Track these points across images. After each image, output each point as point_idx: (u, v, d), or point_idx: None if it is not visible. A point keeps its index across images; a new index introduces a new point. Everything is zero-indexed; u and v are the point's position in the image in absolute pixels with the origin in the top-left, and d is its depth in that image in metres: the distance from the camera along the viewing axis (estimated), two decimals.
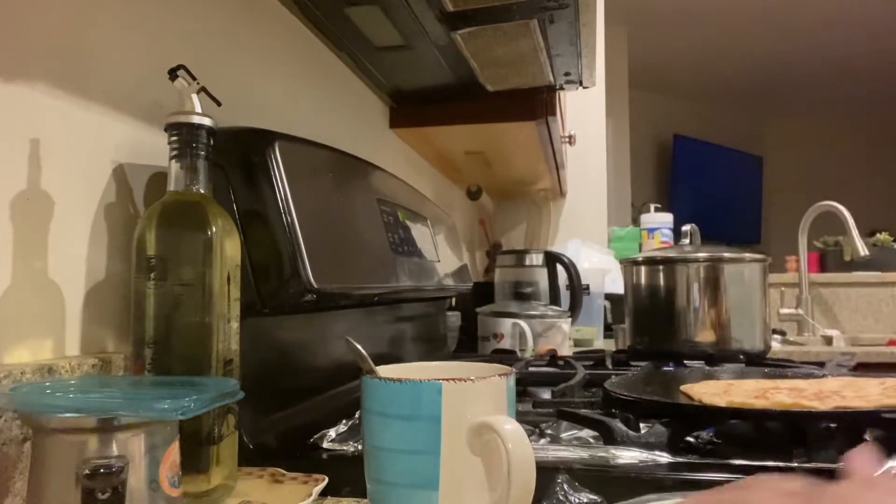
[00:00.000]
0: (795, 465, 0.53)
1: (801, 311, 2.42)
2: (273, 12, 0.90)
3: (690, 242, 1.30)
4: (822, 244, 3.25)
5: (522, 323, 1.31)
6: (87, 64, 0.57)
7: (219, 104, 0.56)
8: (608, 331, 1.95)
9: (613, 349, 1.42)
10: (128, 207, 0.60)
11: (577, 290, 1.58)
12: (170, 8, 0.68)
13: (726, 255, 1.21)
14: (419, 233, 1.01)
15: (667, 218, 2.69)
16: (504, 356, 1.24)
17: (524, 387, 0.90)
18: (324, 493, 0.51)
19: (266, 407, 0.64)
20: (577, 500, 0.46)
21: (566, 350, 1.37)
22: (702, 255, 1.21)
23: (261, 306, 0.61)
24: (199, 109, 0.52)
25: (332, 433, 0.62)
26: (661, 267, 1.24)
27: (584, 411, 0.66)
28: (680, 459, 0.55)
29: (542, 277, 1.65)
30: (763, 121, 5.72)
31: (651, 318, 1.25)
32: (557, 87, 1.31)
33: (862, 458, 0.31)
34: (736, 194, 5.43)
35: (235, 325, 0.51)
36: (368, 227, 0.80)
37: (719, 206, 5.12)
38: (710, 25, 4.06)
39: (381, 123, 1.37)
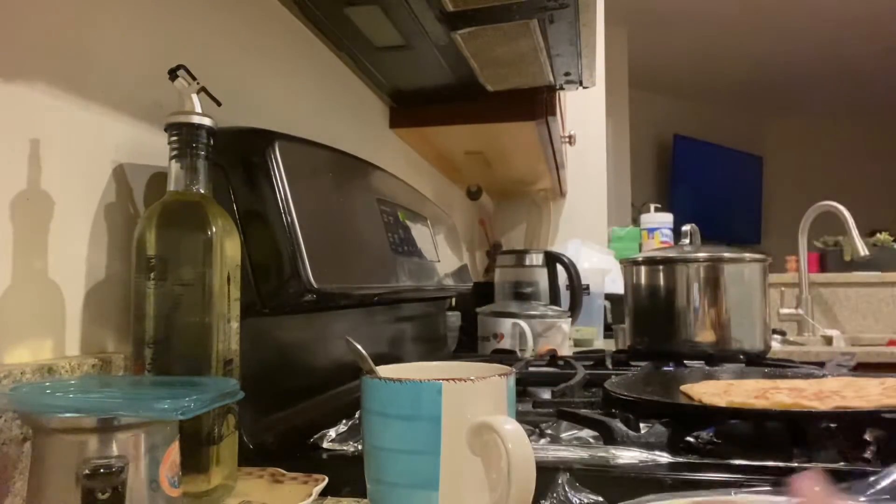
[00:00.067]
0: (795, 465, 0.53)
1: (801, 311, 2.42)
2: (273, 12, 0.90)
3: (690, 242, 1.30)
4: (822, 244, 3.25)
5: (522, 323, 1.31)
6: (87, 64, 0.57)
7: (219, 104, 0.56)
8: (608, 331, 1.95)
9: (613, 349, 1.42)
10: (128, 207, 0.60)
11: (577, 290, 1.58)
12: (170, 8, 0.68)
13: (726, 255, 1.21)
14: (419, 233, 1.01)
15: (667, 218, 2.69)
16: (504, 356, 1.24)
17: (524, 387, 0.90)
18: (324, 493, 0.51)
19: (266, 407, 0.64)
20: (577, 500, 0.46)
21: (566, 350, 1.37)
22: (702, 255, 1.21)
23: (261, 306, 0.61)
24: (199, 109, 0.52)
25: (332, 433, 0.62)
26: (661, 267, 1.24)
27: (584, 411, 0.66)
28: (680, 459, 0.55)
29: (542, 277, 1.65)
30: (763, 121, 5.71)
31: (651, 318, 1.25)
32: (557, 87, 1.31)
33: (810, 481, 0.30)
34: (736, 194, 5.43)
35: (235, 325, 0.51)
36: (368, 227, 0.80)
37: (719, 206, 5.12)
38: (710, 25, 4.06)
39: (381, 123, 1.37)
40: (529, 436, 0.49)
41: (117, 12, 0.60)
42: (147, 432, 0.38)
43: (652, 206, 2.76)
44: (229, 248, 0.51)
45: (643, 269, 1.26)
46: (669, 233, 2.65)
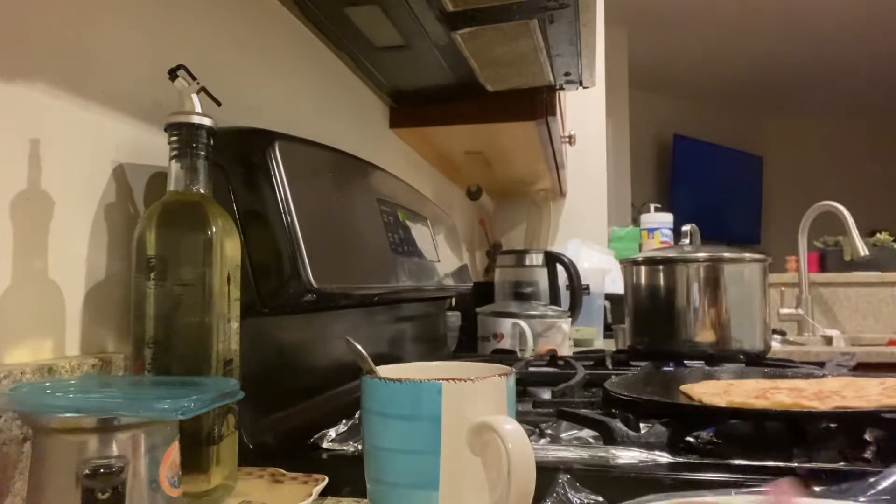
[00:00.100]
0: (795, 465, 0.53)
1: (801, 311, 2.42)
2: (273, 12, 0.90)
3: (690, 242, 1.30)
4: (822, 244, 3.25)
5: (522, 323, 1.31)
6: (87, 64, 0.57)
7: (219, 104, 0.56)
8: (608, 331, 1.95)
9: (613, 349, 1.42)
10: (128, 207, 0.60)
11: (577, 290, 1.58)
12: (170, 8, 0.68)
13: (726, 255, 1.21)
14: (419, 233, 1.01)
15: (667, 218, 2.69)
16: (504, 356, 1.24)
17: (524, 387, 0.90)
18: (324, 493, 0.51)
19: (266, 407, 0.64)
20: (577, 500, 0.46)
21: (566, 350, 1.37)
22: (702, 255, 1.21)
23: (261, 306, 0.61)
24: (199, 109, 0.52)
25: (332, 433, 0.62)
26: (661, 267, 1.24)
27: (584, 411, 0.66)
28: (680, 459, 0.55)
29: (542, 277, 1.65)
30: (763, 121, 5.72)
31: (651, 318, 1.25)
32: (557, 87, 1.31)
33: (784, 489, 0.30)
34: (736, 194, 5.43)
35: (235, 325, 0.51)
36: (368, 227, 0.80)
37: (719, 206, 5.12)
38: (709, 25, 4.06)
39: (381, 123, 1.37)
40: (529, 436, 0.49)
41: (117, 12, 0.60)
42: (147, 432, 0.38)
43: (652, 206, 2.76)
44: (229, 248, 0.51)
45: (643, 269, 1.26)
46: (669, 233, 2.65)
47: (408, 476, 0.41)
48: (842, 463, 0.54)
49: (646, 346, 1.25)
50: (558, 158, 1.80)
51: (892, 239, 3.13)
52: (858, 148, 5.62)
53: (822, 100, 5.34)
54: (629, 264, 1.30)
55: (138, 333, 0.49)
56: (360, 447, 0.57)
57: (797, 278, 2.51)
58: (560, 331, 1.36)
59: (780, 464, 0.53)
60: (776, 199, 5.61)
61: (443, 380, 0.41)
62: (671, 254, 1.25)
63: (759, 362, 1.15)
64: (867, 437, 0.58)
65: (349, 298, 0.74)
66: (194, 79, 0.53)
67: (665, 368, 1.05)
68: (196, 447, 0.47)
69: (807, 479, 0.43)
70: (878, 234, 3.15)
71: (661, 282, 1.23)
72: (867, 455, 0.56)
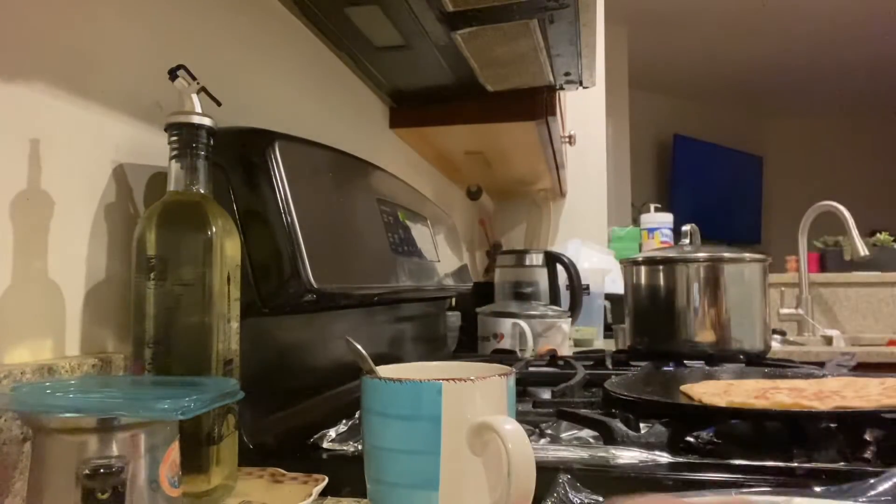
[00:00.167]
0: (795, 465, 0.53)
1: (801, 311, 2.42)
2: (273, 12, 0.90)
3: (690, 242, 1.30)
4: (822, 244, 3.25)
5: (522, 323, 1.31)
6: (87, 64, 0.57)
7: (219, 104, 0.56)
8: (608, 331, 1.95)
9: (613, 349, 1.42)
10: (128, 207, 0.60)
11: (577, 290, 1.58)
12: (170, 8, 0.68)
13: (726, 255, 1.21)
14: (419, 233, 1.01)
15: (667, 218, 2.69)
16: (504, 356, 1.24)
17: (524, 387, 0.90)
18: (324, 493, 0.51)
19: (266, 407, 0.64)
20: (577, 500, 0.46)
21: (566, 350, 1.37)
22: (702, 255, 1.21)
23: (261, 306, 0.61)
24: (199, 109, 0.52)
25: (332, 433, 0.62)
26: (661, 267, 1.24)
27: (584, 411, 0.66)
28: (680, 459, 0.55)
29: (542, 277, 1.65)
30: (763, 121, 5.72)
31: (651, 318, 1.25)
32: (557, 87, 1.31)
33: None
34: (736, 194, 5.43)
35: (235, 325, 0.51)
36: (368, 227, 0.80)
37: (719, 206, 5.12)
38: (710, 25, 4.06)
39: (381, 123, 1.37)
40: (529, 436, 0.49)
41: (117, 12, 0.60)
42: (147, 432, 0.38)
43: (652, 206, 2.76)
44: (229, 248, 0.51)
45: (643, 269, 1.26)
46: (669, 233, 2.65)
47: (408, 476, 0.41)
48: (842, 463, 0.54)
49: (646, 346, 1.25)
50: (558, 158, 1.80)
51: (892, 239, 3.13)
52: (858, 148, 5.62)
53: (822, 100, 5.34)
54: (629, 264, 1.30)
55: (138, 333, 0.49)
56: (360, 447, 0.57)
57: (797, 278, 2.51)
58: (560, 331, 1.36)
59: (780, 464, 0.53)
60: (776, 199, 5.61)
61: (443, 380, 0.41)
62: (671, 254, 1.25)
63: (759, 362, 1.15)
64: (867, 437, 0.58)
65: (349, 298, 0.74)
66: (194, 79, 0.53)
67: (665, 368, 1.05)
68: (196, 447, 0.47)
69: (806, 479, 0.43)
70: (878, 234, 3.15)
71: (661, 282, 1.23)
72: (867, 455, 0.56)
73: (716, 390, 0.67)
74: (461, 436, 0.40)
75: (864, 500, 0.42)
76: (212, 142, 0.53)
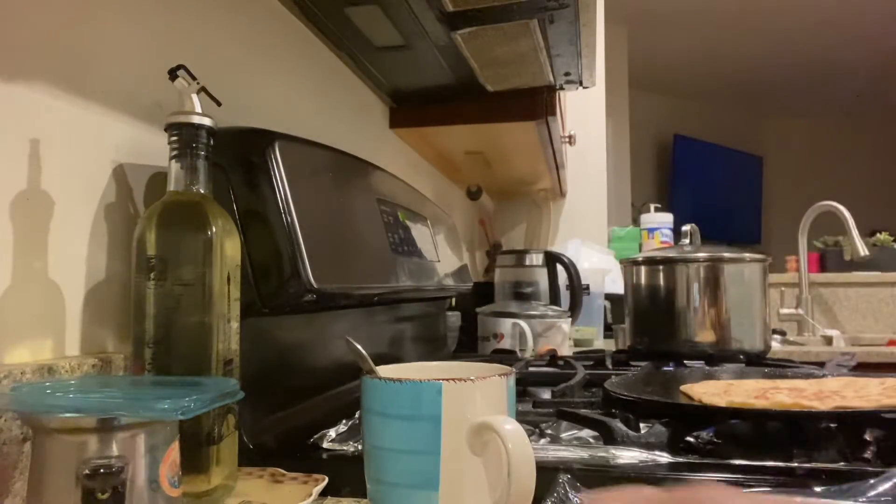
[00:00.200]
0: (795, 465, 0.53)
1: (801, 311, 2.42)
2: (273, 12, 0.90)
3: (690, 242, 1.30)
4: (822, 244, 3.25)
5: (522, 323, 1.31)
6: (87, 64, 0.57)
7: (219, 104, 0.56)
8: (608, 331, 1.95)
9: (613, 349, 1.42)
10: (128, 207, 0.60)
11: (577, 290, 1.58)
12: (170, 8, 0.68)
13: (726, 255, 1.21)
14: (419, 233, 1.01)
15: (667, 218, 2.69)
16: (504, 356, 1.24)
17: (524, 387, 0.90)
18: (324, 493, 0.51)
19: (266, 407, 0.64)
20: (577, 500, 0.46)
21: (566, 350, 1.37)
22: (702, 255, 1.21)
23: (261, 306, 0.61)
24: (199, 109, 0.52)
25: (332, 433, 0.62)
26: (661, 267, 1.24)
27: (584, 411, 0.66)
28: (680, 459, 0.55)
29: (542, 277, 1.65)
30: (763, 121, 5.72)
31: (651, 318, 1.25)
32: (557, 87, 1.31)
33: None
34: (736, 194, 5.43)
35: (235, 325, 0.51)
36: (368, 227, 0.80)
37: (719, 206, 5.12)
38: (710, 25, 4.06)
39: (381, 123, 1.37)
40: (529, 436, 0.49)
41: (117, 12, 0.60)
42: (147, 432, 0.38)
43: (652, 206, 2.76)
44: (229, 248, 0.51)
45: (643, 269, 1.26)
46: (669, 233, 2.65)
47: (408, 476, 0.41)
48: (842, 463, 0.54)
49: (646, 346, 1.25)
50: (558, 158, 1.80)
51: (892, 239, 3.13)
52: (858, 148, 5.62)
53: (822, 100, 5.34)
54: (629, 264, 1.30)
55: (138, 333, 0.49)
56: (360, 447, 0.57)
57: (797, 278, 2.51)
58: (560, 331, 1.36)
59: (780, 464, 0.53)
60: (776, 199, 5.61)
61: (443, 380, 0.41)
62: (671, 254, 1.25)
63: (759, 362, 1.15)
64: (867, 437, 0.58)
65: (349, 298, 0.74)
66: (194, 79, 0.53)
67: (665, 368, 1.05)
68: (196, 447, 0.47)
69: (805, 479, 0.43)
70: (878, 234, 3.15)
71: (661, 282, 1.23)
72: (867, 455, 0.56)
73: (716, 390, 0.67)
74: (461, 436, 0.40)
75: (864, 500, 0.42)
76: (212, 142, 0.53)
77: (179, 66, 0.53)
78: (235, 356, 0.51)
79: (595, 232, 2.44)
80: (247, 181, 0.61)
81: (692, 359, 1.15)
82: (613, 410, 0.68)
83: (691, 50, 4.41)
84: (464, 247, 1.79)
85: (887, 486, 0.43)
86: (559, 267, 1.64)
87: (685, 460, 0.54)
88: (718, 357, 1.15)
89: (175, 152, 0.51)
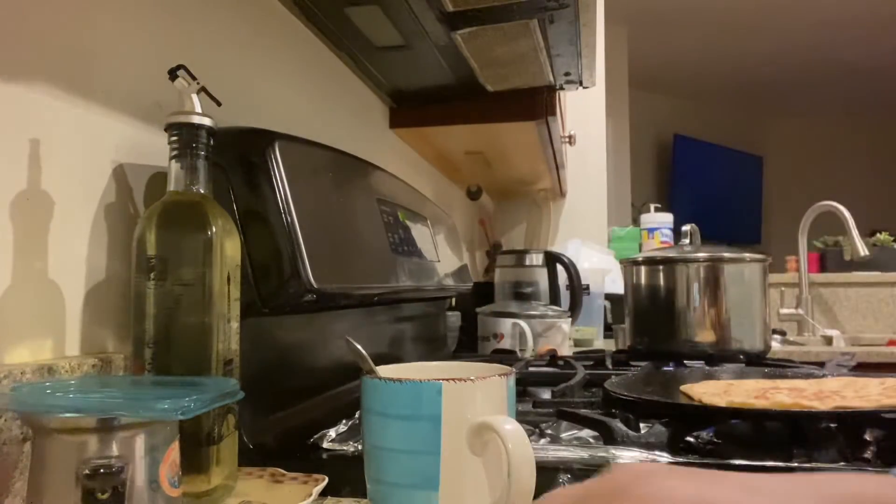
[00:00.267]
0: (795, 465, 0.53)
1: (801, 311, 2.42)
2: (273, 12, 0.90)
3: (690, 242, 1.30)
4: (822, 244, 3.25)
5: (522, 323, 1.31)
6: (87, 64, 0.57)
7: (219, 104, 0.56)
8: (608, 331, 1.95)
9: (613, 349, 1.42)
10: (128, 207, 0.60)
11: (577, 290, 1.58)
12: (170, 8, 0.68)
13: (726, 255, 1.21)
14: (419, 233, 1.01)
15: (667, 218, 2.69)
16: (504, 356, 1.24)
17: (524, 387, 0.90)
18: (324, 493, 0.51)
19: (266, 407, 0.64)
20: None
21: (566, 350, 1.37)
22: (702, 255, 1.21)
23: (261, 306, 0.61)
24: (199, 109, 0.52)
25: (332, 433, 0.62)
26: (661, 267, 1.24)
27: (584, 411, 0.66)
28: (680, 459, 0.55)
29: (542, 277, 1.65)
30: (763, 121, 5.72)
31: (651, 318, 1.25)
32: (557, 87, 1.31)
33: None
34: (736, 194, 5.43)
35: (235, 325, 0.51)
36: (368, 227, 0.80)
37: (719, 206, 5.13)
38: (710, 25, 4.06)
39: (381, 123, 1.37)
40: (529, 436, 0.49)
41: (117, 12, 0.60)
42: (147, 432, 0.38)
43: (652, 206, 2.76)
44: (229, 248, 0.51)
45: (643, 269, 1.26)
46: (669, 233, 2.65)
47: (408, 476, 0.41)
48: (842, 463, 0.54)
49: (646, 346, 1.25)
50: (558, 158, 1.80)
51: (892, 239, 3.13)
52: (858, 148, 5.62)
53: (822, 100, 5.34)
54: (629, 264, 1.30)
55: (138, 333, 0.49)
56: (360, 447, 0.57)
57: (797, 278, 2.51)
58: (560, 331, 1.36)
59: (780, 464, 0.53)
60: (776, 199, 5.61)
61: (443, 380, 0.41)
62: (671, 254, 1.25)
63: (759, 362, 1.15)
64: (867, 437, 0.59)
65: (349, 298, 0.74)
66: (194, 79, 0.53)
67: (665, 368, 1.05)
68: (196, 447, 0.47)
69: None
70: (878, 234, 3.15)
71: (661, 282, 1.23)
72: (867, 455, 0.56)
73: (716, 390, 0.67)
74: (461, 436, 0.40)
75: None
76: (212, 142, 0.53)
77: (179, 66, 0.53)
78: (235, 356, 0.51)
79: (595, 232, 2.44)
80: (247, 181, 0.61)
81: (692, 359, 1.15)
82: (613, 410, 0.68)
83: (691, 50, 4.41)
84: (464, 247, 1.79)
85: None
86: (559, 267, 1.64)
87: (685, 460, 0.54)
88: (718, 357, 1.15)
89: (175, 152, 0.51)
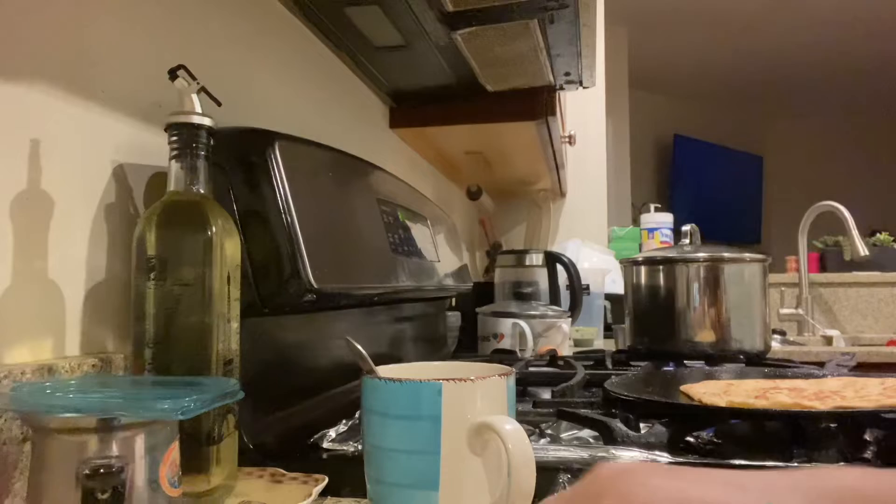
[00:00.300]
0: (795, 465, 0.53)
1: (801, 311, 2.42)
2: (273, 12, 0.90)
3: (690, 242, 1.30)
4: (822, 244, 3.25)
5: (522, 323, 1.31)
6: (87, 64, 0.57)
7: (219, 104, 0.56)
8: (608, 331, 1.95)
9: (613, 349, 1.42)
10: (128, 207, 0.60)
11: (577, 290, 1.58)
12: (170, 8, 0.68)
13: (726, 255, 1.21)
14: (419, 233, 1.01)
15: (667, 218, 2.69)
16: (504, 356, 1.24)
17: (524, 387, 0.90)
18: (324, 493, 0.51)
19: (266, 407, 0.64)
20: None
21: (566, 350, 1.37)
22: (702, 255, 1.21)
23: (261, 306, 0.61)
24: (199, 109, 0.52)
25: (332, 433, 0.62)
26: (661, 267, 1.24)
27: (584, 411, 0.66)
28: (680, 459, 0.55)
29: (542, 277, 1.64)
30: (763, 121, 5.72)
31: (651, 318, 1.25)
32: (557, 87, 1.31)
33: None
34: (736, 194, 5.43)
35: (235, 325, 0.51)
36: (368, 227, 0.80)
37: (719, 206, 5.12)
38: (710, 25, 4.06)
39: (381, 123, 1.37)
40: (529, 436, 0.49)
41: (118, 12, 0.60)
42: (147, 432, 0.38)
43: (652, 206, 2.76)
44: (229, 248, 0.51)
45: (643, 269, 1.26)
46: (669, 233, 2.64)
47: (408, 476, 0.41)
48: (842, 463, 0.54)
49: (646, 346, 1.25)
50: (558, 158, 1.80)
51: (892, 239, 3.13)
52: (858, 148, 5.62)
53: (822, 100, 5.34)
54: (629, 264, 1.30)
55: (138, 333, 0.49)
56: (360, 447, 0.57)
57: (797, 278, 2.51)
58: (560, 331, 1.36)
59: (780, 464, 0.53)
60: (776, 199, 5.61)
61: (443, 380, 0.41)
62: (671, 254, 1.25)
63: (759, 362, 1.15)
64: (867, 437, 0.58)
65: (349, 298, 0.74)
66: (194, 79, 0.53)
67: (665, 368, 1.05)
68: (196, 447, 0.47)
69: None
70: (878, 234, 3.15)
71: (661, 282, 1.23)
72: (867, 455, 0.56)
73: (716, 390, 0.67)
74: (461, 436, 0.40)
75: None
76: (212, 142, 0.53)
77: (179, 66, 0.53)
78: (235, 356, 0.51)
79: (595, 232, 2.44)
80: (247, 181, 0.61)
81: (692, 359, 1.15)
82: (613, 410, 0.68)
83: (691, 50, 4.41)
84: (464, 247, 1.79)
85: None
86: (559, 267, 1.64)
87: (685, 460, 0.54)
88: (718, 357, 1.15)
89: (175, 152, 0.51)
